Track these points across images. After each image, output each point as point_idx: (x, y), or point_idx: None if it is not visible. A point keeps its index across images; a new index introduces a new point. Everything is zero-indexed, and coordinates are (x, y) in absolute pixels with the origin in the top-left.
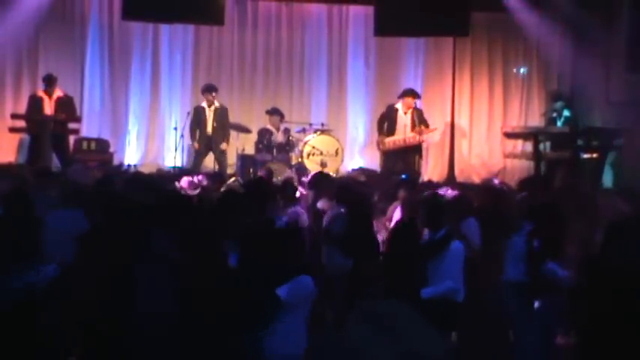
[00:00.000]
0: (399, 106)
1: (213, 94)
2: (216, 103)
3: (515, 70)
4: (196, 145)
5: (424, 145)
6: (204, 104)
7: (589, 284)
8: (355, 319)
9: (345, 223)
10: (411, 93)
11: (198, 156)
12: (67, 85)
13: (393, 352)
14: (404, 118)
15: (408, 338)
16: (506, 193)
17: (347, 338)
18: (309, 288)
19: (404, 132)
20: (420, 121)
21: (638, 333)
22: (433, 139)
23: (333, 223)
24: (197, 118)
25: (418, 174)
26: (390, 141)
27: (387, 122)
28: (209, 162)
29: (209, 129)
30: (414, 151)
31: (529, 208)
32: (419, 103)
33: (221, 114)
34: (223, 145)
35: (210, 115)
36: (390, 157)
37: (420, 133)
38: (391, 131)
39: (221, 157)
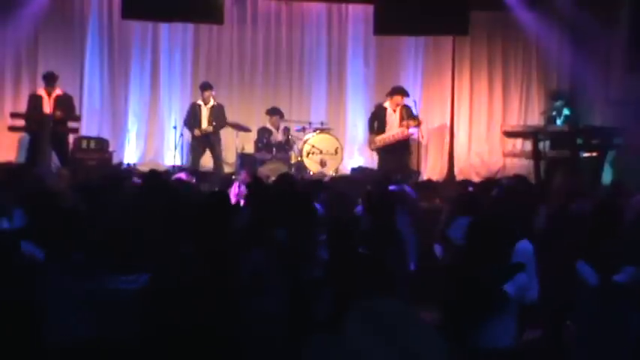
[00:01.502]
0: (387, 104)
1: (210, 91)
2: (212, 101)
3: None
4: (197, 132)
5: (423, 143)
6: (200, 102)
7: None
8: (354, 319)
9: (369, 218)
10: (400, 91)
11: (195, 154)
12: (66, 84)
13: (393, 352)
14: (393, 116)
15: (407, 338)
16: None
17: (346, 338)
18: (525, 283)
19: (394, 129)
20: (407, 116)
21: None
22: (421, 132)
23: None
24: (193, 114)
25: (413, 172)
26: (379, 139)
27: (377, 121)
28: (208, 161)
29: (204, 126)
30: (403, 147)
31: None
32: (418, 101)
33: (217, 111)
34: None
35: (206, 112)
36: (383, 155)
37: (408, 127)
38: (381, 130)
39: (218, 155)
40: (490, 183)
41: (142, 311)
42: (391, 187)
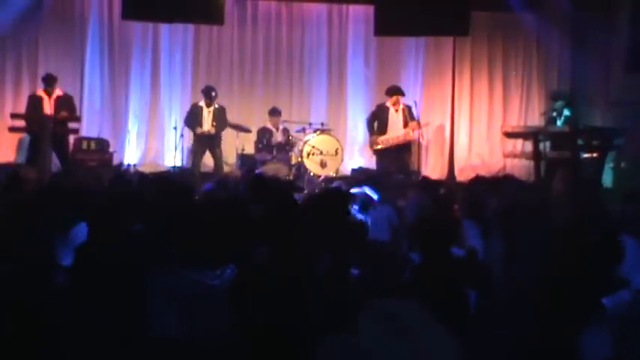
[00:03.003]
0: (389, 104)
1: (212, 94)
2: (216, 105)
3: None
4: (199, 129)
5: (423, 144)
6: (201, 103)
7: None
8: (368, 319)
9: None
10: (398, 90)
11: (195, 155)
12: (66, 85)
13: (405, 353)
14: (395, 116)
15: (420, 339)
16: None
17: (359, 338)
18: (626, 300)
19: (396, 130)
20: (410, 118)
21: None
22: (421, 132)
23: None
24: (193, 115)
25: (413, 172)
26: (383, 140)
27: (377, 121)
28: (209, 161)
29: (206, 128)
30: (404, 149)
31: None
32: (418, 101)
33: (220, 114)
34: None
35: (208, 115)
36: (383, 156)
37: (413, 129)
38: (382, 130)
39: (218, 156)
40: (486, 183)
41: (229, 309)
42: (352, 190)
